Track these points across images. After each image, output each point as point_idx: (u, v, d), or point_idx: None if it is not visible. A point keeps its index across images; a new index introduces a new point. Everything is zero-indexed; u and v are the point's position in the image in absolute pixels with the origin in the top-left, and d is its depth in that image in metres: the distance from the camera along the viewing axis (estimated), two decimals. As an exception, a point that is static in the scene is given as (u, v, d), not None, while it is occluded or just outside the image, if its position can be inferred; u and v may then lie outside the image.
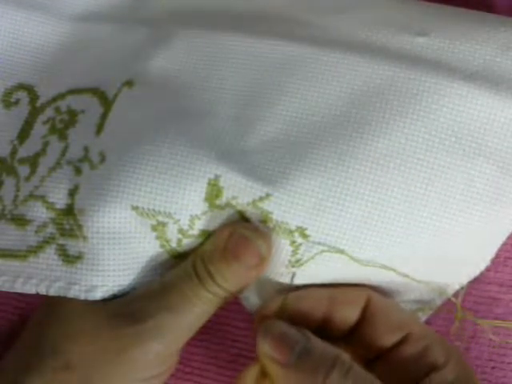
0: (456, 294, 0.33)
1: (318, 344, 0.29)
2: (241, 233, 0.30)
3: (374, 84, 0.31)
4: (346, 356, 0.28)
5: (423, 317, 0.34)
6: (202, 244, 0.31)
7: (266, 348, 0.29)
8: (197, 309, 0.30)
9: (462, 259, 0.32)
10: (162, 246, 0.32)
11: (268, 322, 0.30)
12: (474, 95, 0.30)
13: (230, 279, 0.30)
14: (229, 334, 0.37)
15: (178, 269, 0.31)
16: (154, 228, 0.31)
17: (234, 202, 0.30)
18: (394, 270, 0.31)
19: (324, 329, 0.31)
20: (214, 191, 0.30)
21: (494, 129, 0.30)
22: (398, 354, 0.30)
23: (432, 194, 0.29)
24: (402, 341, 0.30)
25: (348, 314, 0.31)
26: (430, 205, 0.29)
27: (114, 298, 0.31)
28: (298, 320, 0.30)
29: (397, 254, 0.30)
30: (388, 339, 0.30)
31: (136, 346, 0.29)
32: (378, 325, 0.30)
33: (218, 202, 0.30)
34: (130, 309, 0.30)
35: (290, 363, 0.28)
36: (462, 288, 0.33)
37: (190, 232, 0.31)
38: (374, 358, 0.31)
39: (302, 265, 0.31)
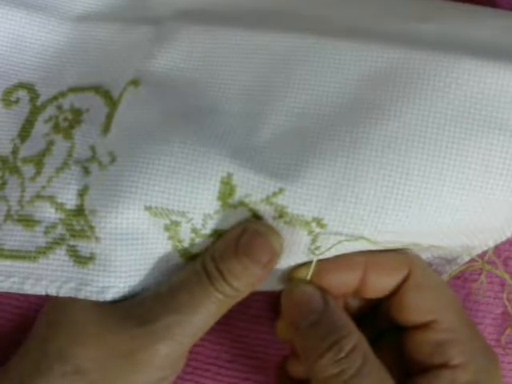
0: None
1: (333, 316, 0.29)
2: (254, 228, 0.30)
3: (380, 68, 0.31)
4: (354, 337, 0.29)
5: (451, 272, 0.34)
6: (212, 244, 0.31)
7: (285, 308, 0.30)
8: (206, 310, 0.30)
9: (487, 229, 0.31)
10: (175, 246, 0.31)
11: (294, 282, 0.31)
12: (483, 68, 0.29)
13: (241, 278, 0.30)
14: (229, 333, 0.37)
15: (187, 269, 0.31)
16: (166, 228, 0.31)
17: (247, 200, 0.30)
18: (418, 245, 0.31)
19: (358, 292, 0.31)
20: (227, 190, 0.30)
21: (508, 99, 0.29)
22: (414, 336, 0.30)
23: (449, 173, 0.29)
24: (426, 325, 0.30)
25: (383, 282, 0.31)
26: (447, 184, 0.29)
27: (123, 299, 0.31)
28: (331, 285, 0.31)
29: (418, 232, 0.30)
30: (412, 319, 0.30)
31: (144, 348, 0.29)
32: (409, 301, 0.30)
33: (230, 200, 0.30)
34: (138, 311, 0.30)
35: (300, 329, 0.29)
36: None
37: (203, 231, 0.31)
38: (390, 329, 0.31)
39: (322, 253, 0.30)
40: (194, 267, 0.31)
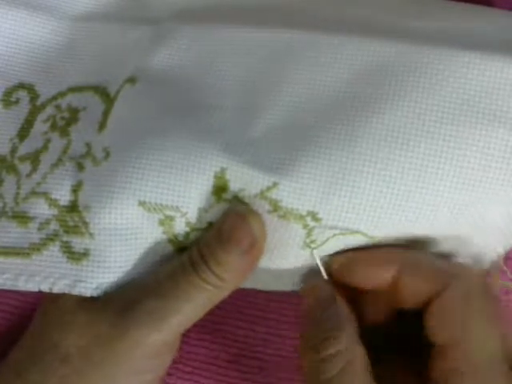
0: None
1: (332, 317, 0.29)
2: (235, 210, 0.30)
3: (376, 61, 0.30)
4: (342, 343, 0.27)
5: None
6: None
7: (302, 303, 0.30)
8: (190, 298, 0.29)
9: (491, 229, 0.31)
10: (170, 241, 0.31)
11: (313, 283, 0.31)
12: (481, 60, 0.29)
13: (224, 264, 0.29)
14: (229, 333, 0.37)
15: (174, 260, 0.31)
16: (161, 222, 0.31)
17: (241, 195, 0.30)
18: (417, 243, 0.31)
19: (389, 296, 0.30)
20: (220, 184, 0.30)
21: (508, 92, 0.29)
22: (432, 361, 0.28)
23: (447, 167, 0.29)
24: (450, 347, 0.27)
25: (417, 288, 0.29)
26: (445, 178, 0.29)
27: None
28: (359, 278, 0.30)
29: (417, 229, 0.30)
30: (439, 339, 0.28)
31: (124, 335, 0.29)
32: (451, 315, 0.28)
33: (224, 195, 0.30)
34: (122, 299, 0.30)
35: (304, 325, 0.29)
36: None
37: (198, 225, 0.31)
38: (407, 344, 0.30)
39: (318, 246, 0.30)
40: (180, 258, 0.30)
